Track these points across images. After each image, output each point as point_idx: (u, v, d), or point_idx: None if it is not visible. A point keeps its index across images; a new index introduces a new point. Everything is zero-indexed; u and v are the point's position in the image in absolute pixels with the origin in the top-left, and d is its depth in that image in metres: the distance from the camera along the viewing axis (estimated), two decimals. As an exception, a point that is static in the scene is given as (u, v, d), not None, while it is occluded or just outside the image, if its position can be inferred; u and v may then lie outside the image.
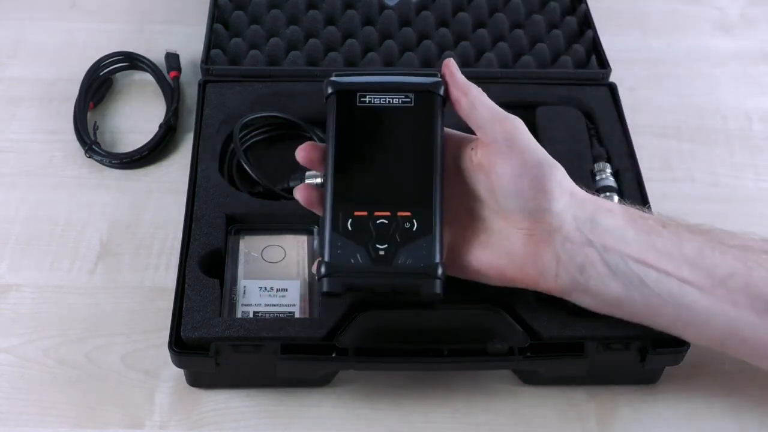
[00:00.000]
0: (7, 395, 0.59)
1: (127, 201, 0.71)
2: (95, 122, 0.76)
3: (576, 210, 0.53)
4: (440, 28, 0.81)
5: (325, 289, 0.53)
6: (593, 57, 0.79)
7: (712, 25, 0.91)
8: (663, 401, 0.60)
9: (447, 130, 0.57)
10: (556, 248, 0.53)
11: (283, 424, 0.59)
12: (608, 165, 0.70)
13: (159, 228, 0.69)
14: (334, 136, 0.55)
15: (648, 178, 0.69)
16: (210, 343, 0.56)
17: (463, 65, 0.77)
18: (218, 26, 0.79)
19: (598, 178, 0.69)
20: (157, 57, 0.81)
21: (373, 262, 0.53)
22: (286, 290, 0.61)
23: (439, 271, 0.52)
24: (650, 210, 0.63)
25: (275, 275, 0.62)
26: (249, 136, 0.72)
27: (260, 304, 0.60)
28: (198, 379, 0.60)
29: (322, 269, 0.53)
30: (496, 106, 0.55)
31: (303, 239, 0.65)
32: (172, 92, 0.78)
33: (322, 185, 0.55)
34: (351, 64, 0.78)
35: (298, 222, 0.65)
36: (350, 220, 0.53)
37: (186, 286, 0.60)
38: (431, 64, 0.78)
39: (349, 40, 0.79)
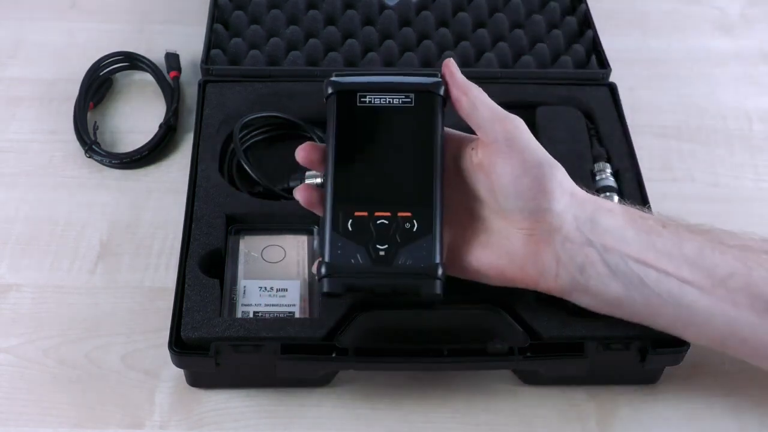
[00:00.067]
0: (7, 395, 0.59)
1: (127, 201, 0.71)
2: (95, 122, 0.76)
3: (576, 210, 0.53)
4: (440, 28, 0.81)
5: (325, 289, 0.53)
6: (593, 57, 0.79)
7: (712, 25, 0.91)
8: (663, 401, 0.60)
9: (447, 129, 0.57)
10: (556, 248, 0.53)
11: (283, 424, 0.59)
12: (608, 165, 0.70)
13: (159, 228, 0.69)
14: (334, 136, 0.55)
15: (648, 178, 0.69)
16: (210, 343, 0.56)
17: (463, 65, 0.78)
18: (218, 26, 0.79)
19: (598, 178, 0.69)
20: (157, 57, 0.81)
21: (373, 263, 0.53)
22: (286, 290, 0.61)
23: (440, 271, 0.52)
24: (650, 210, 0.63)
25: (275, 275, 0.62)
26: (249, 136, 0.72)
27: (260, 304, 0.60)
28: (198, 379, 0.60)
29: (323, 270, 0.53)
30: (497, 106, 0.55)
31: (303, 239, 0.65)
32: (172, 92, 0.78)
33: (322, 185, 0.55)
34: (351, 64, 0.78)
35: (298, 222, 0.65)
36: (350, 221, 0.53)
37: (186, 286, 0.60)
38: (431, 64, 0.78)
39: (349, 40, 0.79)
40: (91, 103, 0.77)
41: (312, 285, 0.62)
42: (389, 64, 0.78)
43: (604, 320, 0.56)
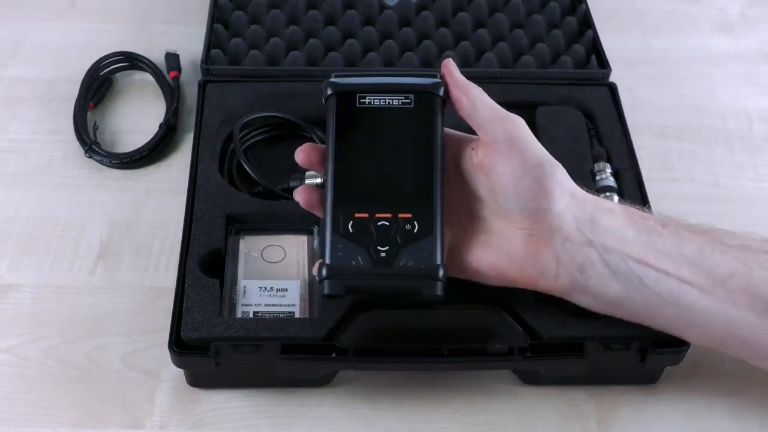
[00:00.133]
0: (7, 395, 0.59)
1: (127, 201, 0.71)
2: (95, 122, 0.76)
3: (576, 210, 0.53)
4: (440, 28, 0.81)
5: (326, 291, 0.53)
6: (593, 57, 0.79)
7: (712, 25, 0.91)
8: (663, 401, 0.60)
9: (447, 130, 0.57)
10: (556, 248, 0.53)
11: (283, 424, 0.59)
12: (608, 165, 0.70)
13: (159, 228, 0.69)
14: (333, 137, 0.55)
15: (648, 178, 0.69)
16: (210, 343, 0.56)
17: (463, 65, 0.78)
18: (218, 26, 0.79)
19: (598, 178, 0.69)
20: (157, 57, 0.81)
21: (374, 264, 0.53)
22: (286, 290, 0.61)
23: (441, 272, 0.52)
24: (650, 210, 0.63)
25: (275, 275, 0.62)
26: (249, 136, 0.72)
27: (260, 304, 0.60)
28: (198, 379, 0.60)
29: (324, 271, 0.53)
30: (497, 106, 0.55)
31: (303, 239, 0.65)
32: (172, 92, 0.78)
33: (322, 186, 0.55)
34: (351, 64, 0.78)
35: (298, 222, 0.65)
36: (351, 222, 0.53)
37: (186, 286, 0.60)
38: (431, 64, 0.78)
39: (349, 40, 0.79)
40: (91, 103, 0.77)
41: (312, 285, 0.62)
42: (389, 64, 0.78)
43: (604, 320, 0.56)
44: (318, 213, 0.56)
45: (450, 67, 0.55)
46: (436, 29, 0.81)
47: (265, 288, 0.61)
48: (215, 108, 0.72)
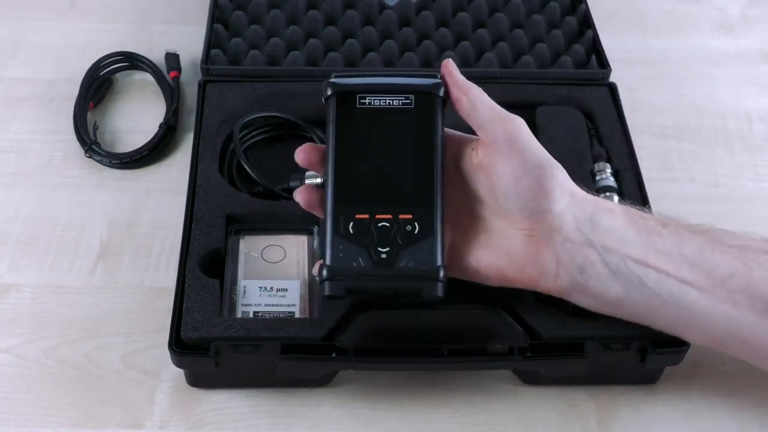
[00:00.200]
0: (7, 395, 0.59)
1: (127, 201, 0.71)
2: (95, 122, 0.76)
3: (576, 211, 0.53)
4: (440, 28, 0.81)
5: (326, 292, 0.53)
6: (593, 57, 0.79)
7: (712, 25, 0.91)
8: (663, 401, 0.60)
9: (447, 130, 0.57)
10: (556, 249, 0.53)
11: (283, 424, 0.59)
12: (608, 165, 0.70)
13: (159, 228, 0.69)
14: (334, 138, 0.55)
15: (648, 178, 0.69)
16: (210, 343, 0.56)
17: (463, 65, 0.78)
18: (218, 26, 0.79)
19: (598, 178, 0.69)
20: (157, 57, 0.81)
21: (374, 266, 0.53)
22: (286, 290, 0.61)
23: (441, 273, 0.53)
24: (650, 210, 0.63)
25: (275, 275, 0.62)
26: (249, 136, 0.72)
27: (260, 304, 0.60)
28: (198, 379, 0.60)
29: (324, 272, 0.53)
30: (497, 106, 0.55)
31: (303, 239, 0.65)
32: (172, 92, 0.78)
33: (322, 186, 0.55)
34: (351, 64, 0.78)
35: (298, 222, 0.65)
36: (351, 223, 0.53)
37: (186, 286, 0.60)
38: (431, 64, 0.78)
39: (349, 40, 0.79)
40: (91, 103, 0.77)
41: (312, 285, 0.62)
42: (389, 64, 0.78)
43: (604, 320, 0.56)
44: (318, 213, 0.56)
45: (450, 67, 0.55)
46: (436, 29, 0.81)
47: (265, 288, 0.61)
48: (215, 108, 0.72)
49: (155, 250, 0.68)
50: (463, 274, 0.56)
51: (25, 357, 0.61)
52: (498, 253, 0.55)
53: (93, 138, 0.74)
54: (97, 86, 0.79)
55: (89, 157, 0.73)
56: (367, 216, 0.54)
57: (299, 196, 0.56)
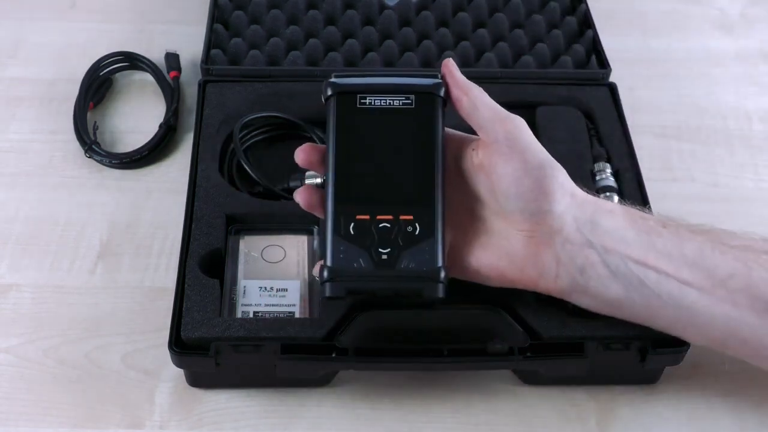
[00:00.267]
0: (7, 395, 0.59)
1: (127, 201, 0.71)
2: (95, 122, 0.76)
3: (576, 211, 0.53)
4: (440, 28, 0.81)
5: (327, 293, 0.53)
6: (593, 57, 0.79)
7: (712, 25, 0.91)
8: (663, 401, 0.60)
9: (448, 130, 0.56)
10: (557, 250, 0.53)
11: (283, 424, 0.59)
12: (608, 165, 0.70)
13: (159, 228, 0.69)
14: (334, 138, 0.55)
15: (648, 178, 0.69)
16: (210, 343, 0.56)
17: (463, 65, 0.78)
18: (218, 26, 0.79)
19: (598, 178, 0.69)
20: (157, 57, 0.81)
21: (375, 266, 0.52)
22: (286, 290, 0.61)
23: (442, 274, 0.52)
24: (650, 210, 0.63)
25: (275, 275, 0.62)
26: (249, 136, 0.72)
27: (260, 304, 0.60)
28: (198, 379, 0.60)
29: (325, 273, 0.53)
30: (498, 106, 0.55)
31: (303, 239, 0.65)
32: (172, 92, 0.78)
33: (323, 186, 0.55)
34: (351, 64, 0.78)
35: (298, 222, 0.65)
36: (352, 224, 0.53)
37: (186, 286, 0.60)
38: (431, 64, 0.78)
39: (349, 40, 0.79)
40: (91, 103, 0.77)
41: (312, 285, 0.62)
42: (389, 64, 0.78)
43: (604, 320, 0.56)
44: (318, 214, 0.56)
45: (450, 67, 0.55)
46: (436, 29, 0.81)
47: (265, 288, 0.61)
48: (215, 108, 0.72)
49: (155, 250, 0.68)
50: (464, 275, 0.56)
51: (25, 357, 0.61)
52: (498, 253, 0.55)
53: (93, 138, 0.74)
54: (97, 86, 0.79)
55: (89, 157, 0.73)
56: (367, 217, 0.53)
57: (299, 196, 0.56)
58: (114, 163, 0.73)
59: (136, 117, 0.78)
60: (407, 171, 0.54)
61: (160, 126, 0.75)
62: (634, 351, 0.57)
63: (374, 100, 0.55)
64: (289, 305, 0.60)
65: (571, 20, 0.82)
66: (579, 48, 0.79)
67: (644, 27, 0.90)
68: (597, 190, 0.68)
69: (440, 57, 0.78)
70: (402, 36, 0.80)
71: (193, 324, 0.57)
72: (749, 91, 0.84)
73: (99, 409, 0.59)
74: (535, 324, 0.57)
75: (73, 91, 0.77)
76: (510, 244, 0.54)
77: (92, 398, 0.59)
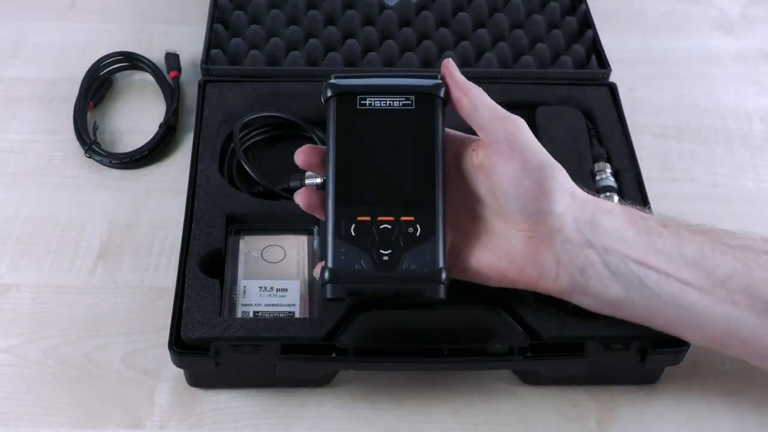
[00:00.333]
0: (7, 395, 0.59)
1: (127, 201, 0.71)
2: (95, 122, 0.76)
3: (576, 212, 0.53)
4: (440, 28, 0.81)
5: (328, 295, 0.53)
6: (593, 57, 0.79)
7: (712, 25, 0.91)
8: (663, 401, 0.60)
9: (448, 130, 0.56)
10: (557, 250, 0.53)
11: (283, 424, 0.59)
12: (608, 165, 0.70)
13: (159, 228, 0.69)
14: (334, 140, 0.55)
15: (648, 178, 0.69)
16: (210, 343, 0.56)
17: (463, 65, 0.78)
18: (218, 26, 0.79)
19: (598, 178, 0.69)
20: (157, 57, 0.81)
21: (376, 268, 0.52)
22: (286, 290, 0.61)
23: (443, 275, 0.52)
24: (650, 210, 0.63)
25: (275, 275, 0.62)
26: (249, 136, 0.72)
27: (260, 304, 0.60)
28: (198, 379, 0.60)
29: (326, 275, 0.53)
30: (498, 106, 0.55)
31: (303, 239, 0.65)
32: (172, 92, 0.78)
33: (323, 186, 0.55)
34: (351, 64, 0.78)
35: (298, 222, 0.65)
36: (353, 226, 0.53)
37: (186, 286, 0.60)
38: (431, 64, 0.78)
39: (349, 40, 0.79)
40: (91, 103, 0.77)
41: (312, 285, 0.62)
42: (389, 64, 0.78)
43: (604, 320, 0.56)
44: (319, 215, 0.56)
45: (450, 67, 0.55)
46: (436, 29, 0.81)
47: (265, 288, 0.61)
48: (215, 108, 0.72)
49: (155, 250, 0.68)
50: (464, 275, 0.56)
51: (25, 357, 0.61)
52: (498, 253, 0.55)
53: (93, 138, 0.74)
54: (97, 86, 0.79)
55: (89, 157, 0.73)
56: (368, 218, 0.53)
57: (299, 197, 0.56)
58: (114, 163, 0.73)
59: (136, 117, 0.78)
60: (408, 172, 0.54)
61: (160, 126, 0.75)
62: (634, 351, 0.57)
63: (374, 101, 0.55)
64: (289, 305, 0.60)
65: (571, 20, 0.82)
66: (579, 48, 0.79)
67: (644, 27, 0.90)
68: (597, 190, 0.68)
69: (440, 57, 0.78)
70: (402, 36, 0.80)
71: (193, 324, 0.57)
72: (749, 91, 0.84)
73: (99, 409, 0.59)
74: (535, 324, 0.57)
75: (73, 91, 0.77)
76: (510, 244, 0.54)
77: (92, 398, 0.59)
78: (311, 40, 0.79)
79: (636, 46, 0.88)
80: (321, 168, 0.56)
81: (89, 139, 0.73)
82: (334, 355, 0.56)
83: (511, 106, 0.56)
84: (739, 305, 0.52)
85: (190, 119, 0.76)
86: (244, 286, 0.61)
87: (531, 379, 0.60)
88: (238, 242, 0.64)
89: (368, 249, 0.53)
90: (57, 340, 0.62)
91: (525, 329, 0.57)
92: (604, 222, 0.53)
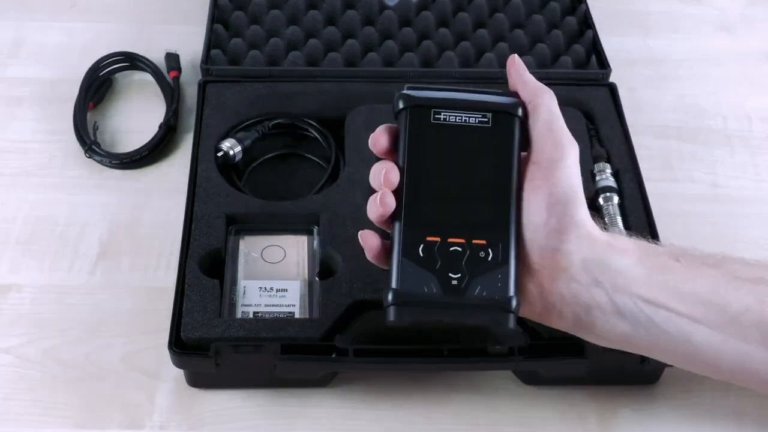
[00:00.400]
0: (7, 395, 0.59)
1: (127, 201, 0.71)
2: (95, 122, 0.76)
3: (587, 251, 0.51)
4: (440, 28, 0.81)
5: (391, 318, 0.49)
6: (593, 57, 0.79)
7: (712, 25, 0.91)
8: (663, 401, 0.60)
9: None
10: (561, 287, 0.51)
11: (283, 425, 0.59)
12: (608, 165, 0.70)
13: (159, 228, 0.69)
14: (406, 153, 0.51)
15: (648, 178, 0.69)
16: (210, 344, 0.56)
17: (463, 65, 0.78)
18: (218, 26, 0.79)
19: (598, 178, 0.69)
20: (157, 57, 0.81)
21: (444, 292, 0.49)
22: (286, 290, 0.61)
23: (514, 304, 0.49)
24: (656, 231, 0.63)
25: (275, 275, 0.62)
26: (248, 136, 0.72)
27: (260, 305, 0.60)
28: (198, 380, 0.60)
29: (390, 297, 0.49)
30: (565, 127, 0.52)
31: (303, 239, 0.65)
32: (172, 92, 0.78)
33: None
34: (351, 64, 0.78)
35: (298, 222, 0.65)
36: (422, 246, 0.50)
37: (186, 286, 0.60)
38: (431, 64, 0.78)
39: (349, 40, 0.79)
40: (91, 103, 0.77)
41: (312, 285, 0.62)
42: (389, 64, 0.78)
43: (604, 320, 0.56)
44: (384, 227, 0.52)
45: (518, 68, 0.53)
46: (436, 29, 0.81)
47: (265, 288, 0.61)
48: (215, 108, 0.72)
49: (155, 250, 0.68)
50: None
51: (25, 357, 0.61)
52: None
53: (93, 138, 0.74)
54: (97, 86, 0.79)
55: (89, 157, 0.73)
56: (438, 239, 0.50)
57: (369, 209, 0.51)
58: (114, 164, 0.73)
59: (136, 117, 0.78)
60: (481, 193, 0.51)
61: (160, 126, 0.75)
62: (634, 351, 0.57)
63: (449, 115, 0.52)
64: (288, 305, 0.60)
65: (571, 20, 0.82)
66: (579, 48, 0.79)
67: (644, 27, 0.90)
68: (597, 190, 0.68)
69: (440, 57, 0.78)
70: (402, 36, 0.80)
71: (193, 324, 0.57)
72: (749, 91, 0.84)
73: (99, 409, 0.59)
74: (535, 324, 0.57)
75: (73, 91, 0.77)
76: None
77: (92, 399, 0.59)
78: (311, 40, 0.79)
79: (636, 46, 0.88)
80: (391, 154, 0.52)
81: (89, 140, 0.73)
82: (334, 355, 0.56)
83: (512, 106, 0.56)
84: (749, 340, 0.51)
85: (190, 119, 0.76)
86: (244, 287, 0.61)
87: (531, 379, 0.60)
88: (238, 242, 0.64)
89: (436, 271, 0.49)
90: (57, 340, 0.62)
91: (525, 329, 0.57)
92: (615, 261, 0.51)
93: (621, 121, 0.73)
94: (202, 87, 0.74)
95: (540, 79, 0.75)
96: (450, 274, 0.49)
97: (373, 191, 0.51)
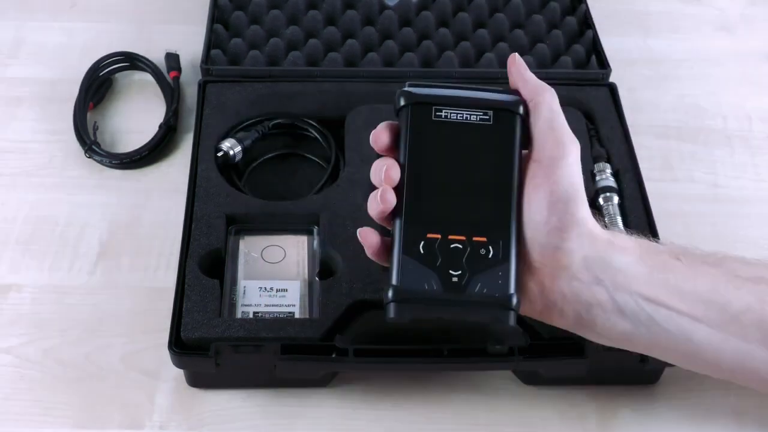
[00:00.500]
0: (7, 395, 0.59)
1: (127, 201, 0.71)
2: (95, 122, 0.76)
3: (588, 249, 0.51)
4: (440, 28, 0.81)
5: (392, 315, 0.49)
6: (593, 57, 0.79)
7: (712, 25, 0.91)
8: (663, 401, 0.60)
9: None
10: (562, 285, 0.51)
11: (283, 424, 0.59)
12: (608, 165, 0.70)
13: (159, 228, 0.69)
14: (407, 150, 0.51)
15: (648, 178, 0.69)
16: (210, 344, 0.56)
17: (463, 65, 0.78)
18: (218, 26, 0.79)
19: (598, 178, 0.69)
20: (157, 57, 0.81)
21: (444, 289, 0.49)
22: (286, 290, 0.61)
23: (514, 301, 0.49)
24: (654, 228, 0.63)
25: (275, 275, 0.62)
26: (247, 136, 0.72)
27: (260, 305, 0.60)
28: (198, 380, 0.60)
29: (390, 293, 0.49)
30: (565, 124, 0.52)
31: (303, 239, 0.65)
32: (172, 92, 0.78)
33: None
34: (351, 64, 0.78)
35: (298, 222, 0.65)
36: (422, 243, 0.50)
37: (186, 286, 0.60)
38: (431, 64, 0.78)
39: (349, 40, 0.79)
40: (91, 103, 0.77)
41: (312, 285, 0.62)
42: (389, 64, 0.78)
43: (604, 320, 0.56)
44: (385, 224, 0.52)
45: (519, 65, 0.53)
46: (436, 29, 0.81)
47: (265, 288, 0.61)
48: (215, 108, 0.72)
49: (155, 250, 0.68)
50: None
51: (26, 357, 0.61)
52: None
53: (93, 138, 0.74)
54: (97, 86, 0.79)
55: (89, 157, 0.73)
56: (438, 236, 0.50)
57: (370, 206, 0.51)
58: (114, 164, 0.73)
59: (136, 117, 0.78)
60: (482, 191, 0.51)
61: (160, 126, 0.75)
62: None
63: (450, 113, 0.52)
64: (288, 305, 0.60)
65: (571, 20, 0.82)
66: (579, 48, 0.79)
67: (644, 27, 0.90)
68: (597, 190, 0.68)
69: (440, 57, 0.78)
70: (402, 36, 0.80)
71: (193, 324, 0.57)
72: (749, 91, 0.84)
73: (99, 409, 0.59)
74: (535, 324, 0.57)
75: (73, 91, 0.77)
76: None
77: (92, 399, 0.59)
78: (311, 41, 0.79)
79: (636, 46, 0.88)
80: (392, 151, 0.52)
81: (89, 140, 0.73)
82: (333, 355, 0.56)
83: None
84: (750, 339, 0.51)
85: (190, 119, 0.76)
86: (244, 287, 0.61)
87: (531, 379, 0.60)
88: (238, 242, 0.64)
89: (436, 268, 0.49)
90: (57, 340, 0.62)
91: (525, 329, 0.57)
92: (616, 259, 0.51)
93: (621, 121, 0.73)
94: (202, 87, 0.74)
95: (540, 79, 0.76)
96: (450, 271, 0.49)
97: (373, 188, 0.51)
